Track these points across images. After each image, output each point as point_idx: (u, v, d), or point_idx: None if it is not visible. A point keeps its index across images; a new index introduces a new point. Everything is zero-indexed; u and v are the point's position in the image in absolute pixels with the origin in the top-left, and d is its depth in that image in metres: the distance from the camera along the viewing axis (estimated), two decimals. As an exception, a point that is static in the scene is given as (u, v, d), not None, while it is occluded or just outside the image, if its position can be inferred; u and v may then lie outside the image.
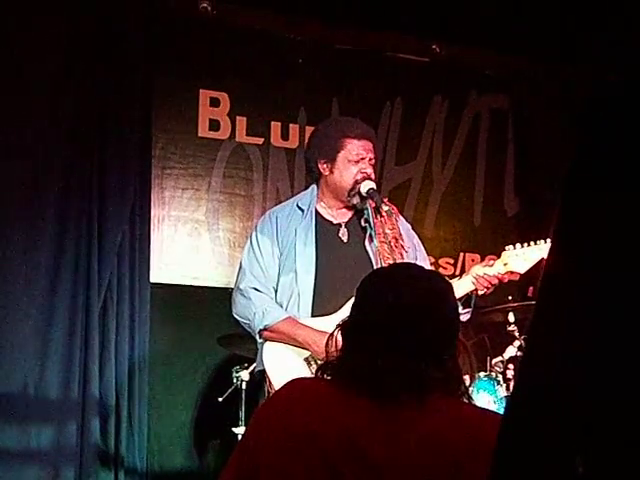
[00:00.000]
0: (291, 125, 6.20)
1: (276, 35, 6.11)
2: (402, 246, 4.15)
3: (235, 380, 5.33)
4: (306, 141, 4.71)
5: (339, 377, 2.27)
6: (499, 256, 4.24)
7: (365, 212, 4.23)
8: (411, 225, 4.46)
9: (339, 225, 4.29)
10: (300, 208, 4.32)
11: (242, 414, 5.25)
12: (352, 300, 2.43)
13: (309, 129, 5.30)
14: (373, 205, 4.17)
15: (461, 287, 4.06)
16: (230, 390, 5.37)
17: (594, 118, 1.34)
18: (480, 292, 4.17)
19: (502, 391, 5.02)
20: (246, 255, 4.32)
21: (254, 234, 4.34)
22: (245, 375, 5.27)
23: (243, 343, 5.10)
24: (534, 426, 1.31)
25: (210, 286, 5.88)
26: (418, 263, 4.05)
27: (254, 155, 6.11)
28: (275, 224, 4.29)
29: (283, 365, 4.05)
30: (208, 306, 5.81)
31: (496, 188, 6.71)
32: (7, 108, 5.29)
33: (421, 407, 2.18)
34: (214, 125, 6.01)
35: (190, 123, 5.95)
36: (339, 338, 2.37)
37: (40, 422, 5.24)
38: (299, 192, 4.72)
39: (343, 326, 2.35)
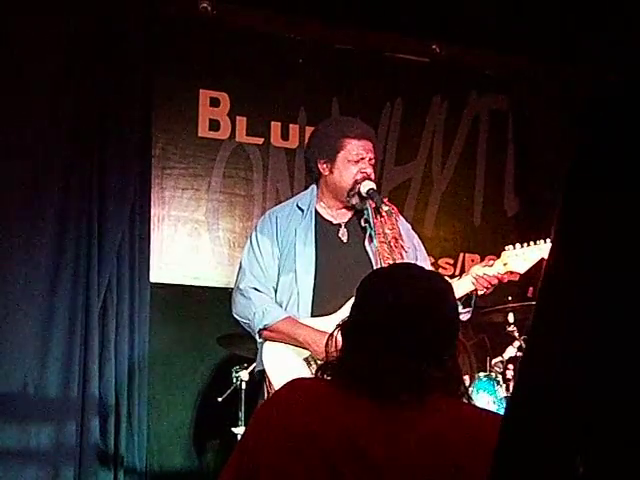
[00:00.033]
0: (291, 125, 6.20)
1: (276, 35, 6.11)
2: (402, 246, 4.15)
3: (235, 380, 5.33)
4: (306, 141, 4.71)
5: (339, 377, 2.27)
6: (499, 256, 4.24)
7: (365, 212, 4.22)
8: (411, 225, 4.46)
9: (339, 225, 4.29)
10: (300, 208, 4.32)
11: (242, 414, 5.25)
12: (352, 300, 2.43)
13: (309, 129, 5.30)
14: (373, 205, 4.17)
15: (461, 287, 4.06)
16: (230, 390, 5.37)
17: (594, 118, 1.34)
18: (480, 292, 4.17)
19: (502, 391, 5.02)
20: (246, 255, 4.32)
21: (254, 234, 4.34)
22: (245, 375, 5.28)
23: (243, 343, 5.10)
24: (534, 426, 1.31)
25: (210, 286, 5.88)
26: (418, 263, 4.04)
27: (254, 155, 6.11)
28: (275, 224, 4.29)
29: (283, 365, 4.05)
30: (208, 306, 5.81)
31: (496, 188, 6.71)
32: (7, 108, 5.29)
33: (421, 407, 2.18)
34: (214, 125, 6.01)
35: (190, 123, 5.95)
36: (339, 338, 2.37)
37: (40, 421, 5.24)
38: (299, 192, 4.72)
39: (343, 326, 2.35)
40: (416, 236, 4.43)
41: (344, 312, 3.69)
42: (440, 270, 6.17)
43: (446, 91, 6.56)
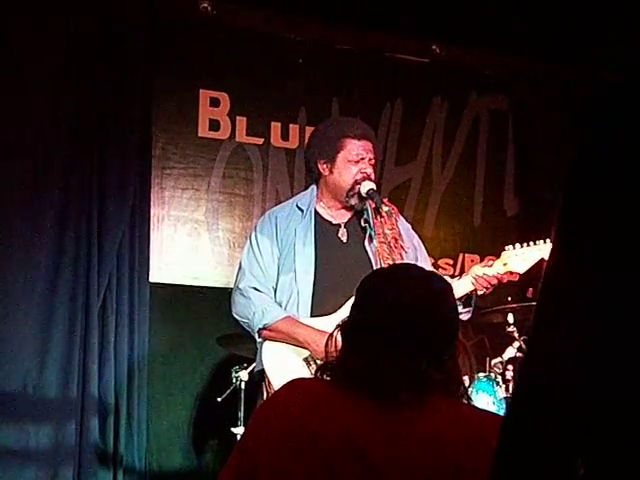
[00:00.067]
0: (291, 125, 6.20)
1: (276, 35, 6.10)
2: (402, 246, 4.15)
3: (234, 380, 5.33)
4: (306, 141, 4.71)
5: (339, 377, 2.27)
6: (499, 257, 4.24)
7: (365, 212, 4.22)
8: (411, 225, 4.46)
9: (338, 225, 4.29)
10: (300, 208, 4.32)
11: (241, 414, 5.25)
12: (351, 300, 2.43)
13: (309, 129, 5.29)
14: (373, 206, 4.17)
15: (460, 287, 4.06)
16: (229, 390, 5.37)
17: (594, 118, 1.34)
18: (479, 292, 4.17)
19: (501, 392, 5.01)
20: (245, 255, 4.32)
21: (253, 234, 4.34)
22: (244, 375, 5.27)
23: (242, 343, 5.09)
24: (534, 426, 1.31)
25: (209, 286, 5.88)
26: (418, 263, 4.05)
27: (254, 155, 6.11)
28: (274, 224, 4.29)
29: (282, 365, 4.05)
30: (207, 306, 5.81)
31: (496, 189, 6.71)
32: (7, 108, 5.29)
33: (421, 407, 2.18)
34: (214, 125, 6.01)
35: (190, 123, 5.95)
36: (339, 338, 2.37)
37: (39, 421, 5.24)
38: (299, 192, 4.72)
39: (343, 326, 2.35)
40: (416, 236, 4.43)
41: (344, 312, 3.69)
42: (440, 270, 6.16)
43: (446, 91, 6.56)
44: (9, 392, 5.17)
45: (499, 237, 6.24)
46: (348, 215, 4.30)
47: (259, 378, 4.23)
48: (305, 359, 4.04)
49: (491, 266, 4.18)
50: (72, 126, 5.43)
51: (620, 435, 1.26)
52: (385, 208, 4.18)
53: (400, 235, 4.19)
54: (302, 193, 4.51)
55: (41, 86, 5.38)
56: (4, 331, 5.16)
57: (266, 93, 6.12)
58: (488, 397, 5.00)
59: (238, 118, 6.06)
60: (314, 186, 4.38)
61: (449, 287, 2.41)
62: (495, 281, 4.16)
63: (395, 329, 2.23)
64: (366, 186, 4.18)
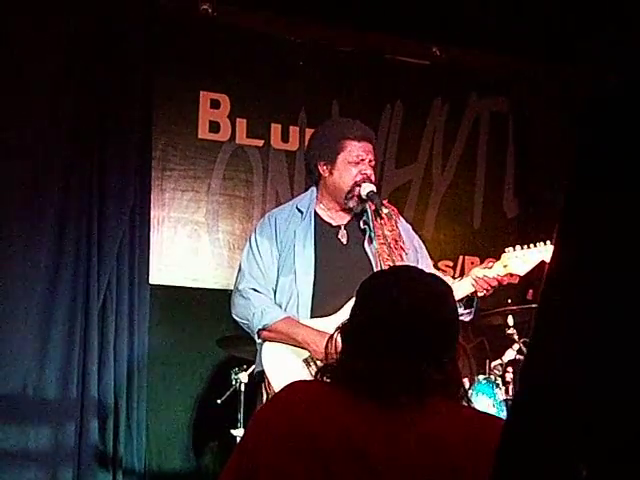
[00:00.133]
0: (291, 127, 6.20)
1: (276, 37, 6.10)
2: (402, 248, 4.15)
3: (234, 382, 5.33)
4: (306, 143, 4.71)
5: (339, 379, 2.27)
6: (499, 259, 4.24)
7: (365, 214, 4.23)
8: (411, 226, 4.46)
9: (338, 227, 4.29)
10: (299, 210, 4.32)
11: (241, 416, 5.25)
12: (351, 302, 2.43)
13: (309, 131, 5.29)
14: (373, 208, 4.17)
15: (460, 289, 4.06)
16: (229, 392, 5.37)
17: (594, 118, 1.34)
18: (480, 294, 4.17)
19: (501, 394, 5.01)
20: (245, 257, 4.32)
21: (253, 236, 4.34)
22: (244, 377, 5.27)
23: (242, 345, 5.09)
24: (534, 426, 1.31)
25: (209, 288, 5.88)
26: (419, 264, 4.07)
27: (254, 157, 6.11)
28: (274, 226, 4.29)
29: (282, 366, 4.05)
30: (207, 308, 5.81)
31: (496, 190, 6.71)
32: (7, 108, 5.29)
33: (421, 409, 2.18)
34: (214, 127, 6.01)
35: (190, 125, 5.95)
36: (339, 340, 2.37)
37: (39, 422, 5.24)
38: (299, 194, 4.72)
39: (343, 328, 2.35)
40: (417, 237, 4.43)
41: (343, 314, 3.69)
42: (440, 272, 6.16)
43: (446, 93, 6.56)
44: (9, 393, 5.17)
45: (499, 239, 6.25)
46: (348, 217, 4.30)
47: (259, 379, 4.23)
48: (305, 360, 4.04)
49: (491, 268, 4.18)
50: (72, 126, 5.43)
51: (620, 435, 1.25)
52: (385, 210, 4.18)
53: (400, 236, 4.19)
54: (302, 195, 4.51)
55: (41, 86, 5.39)
56: (4, 332, 5.17)
57: (266, 95, 6.12)
58: (488, 399, 5.00)
59: (238, 120, 6.06)
60: (314, 188, 4.38)
61: (449, 289, 2.41)
62: (495, 283, 4.16)
63: (395, 331, 2.23)
64: (366, 188, 4.18)
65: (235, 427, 5.22)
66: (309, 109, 6.19)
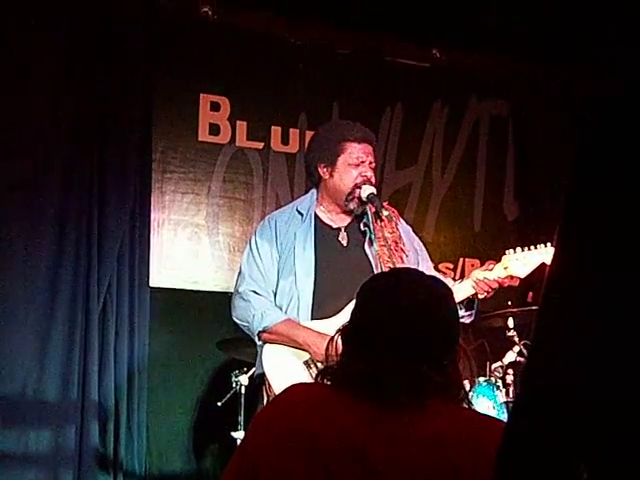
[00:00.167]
0: (291, 130, 6.20)
1: (276, 39, 6.10)
2: (402, 250, 4.15)
3: (234, 384, 5.33)
4: (306, 145, 4.72)
5: (339, 381, 2.27)
6: (499, 261, 4.24)
7: (365, 216, 4.23)
8: (411, 228, 4.46)
9: (339, 229, 4.29)
10: (299, 212, 4.32)
11: (241, 418, 5.25)
12: (352, 304, 2.43)
13: (309, 134, 5.28)
14: (373, 210, 4.17)
15: (461, 291, 4.06)
16: (229, 395, 5.37)
17: (594, 118, 1.34)
18: (480, 296, 4.17)
19: (501, 396, 5.01)
20: (245, 259, 4.32)
21: (253, 238, 4.34)
22: (244, 379, 5.27)
23: (242, 347, 5.10)
24: (535, 426, 1.31)
25: (209, 290, 5.88)
26: (420, 266, 4.08)
27: (254, 160, 6.11)
28: (274, 228, 4.29)
29: (283, 368, 4.05)
30: (207, 310, 5.80)
31: (496, 193, 6.70)
32: (7, 108, 5.29)
33: (421, 411, 2.18)
34: (214, 129, 6.01)
35: (190, 127, 5.95)
36: (339, 342, 2.37)
37: (39, 425, 5.24)
38: (299, 197, 4.73)
39: (343, 330, 2.35)
40: (417, 239, 4.43)
41: (344, 316, 3.69)
42: (440, 275, 6.16)
43: (446, 96, 6.56)
44: (9, 396, 5.16)
45: (499, 241, 6.24)
46: (348, 219, 4.30)
47: (259, 382, 4.23)
48: (305, 362, 4.04)
49: (492, 270, 4.18)
50: (72, 126, 5.44)
51: (620, 435, 1.25)
52: (385, 212, 4.17)
53: (400, 238, 4.19)
54: (302, 197, 4.51)
55: (41, 86, 5.39)
56: (4, 334, 5.16)
57: (266, 97, 6.13)
58: (488, 401, 5.00)
59: (238, 122, 6.06)
60: (314, 190, 4.38)
61: (449, 291, 2.41)
62: (496, 285, 4.16)
63: (395, 333, 2.23)
64: (366, 190, 4.18)
65: (235, 429, 5.22)
66: (309, 111, 6.19)
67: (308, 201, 4.36)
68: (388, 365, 2.20)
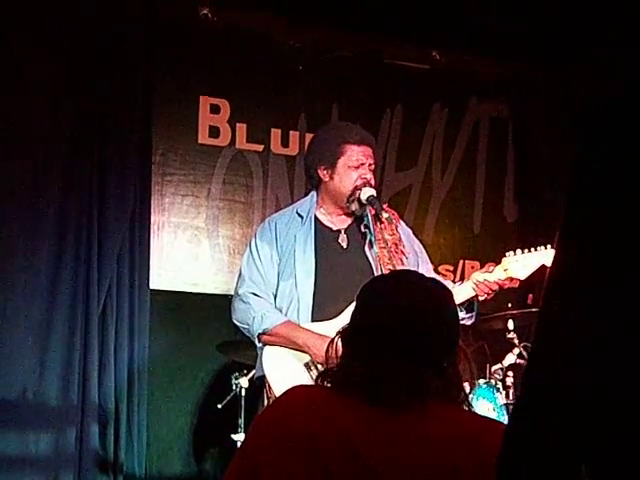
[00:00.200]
0: (291, 132, 6.19)
1: (276, 42, 6.10)
2: (402, 252, 4.15)
3: (234, 387, 5.32)
4: (306, 147, 4.72)
5: (339, 383, 2.27)
6: (499, 263, 4.24)
7: (365, 218, 4.23)
8: (411, 230, 4.46)
9: (339, 231, 4.30)
10: (299, 215, 4.32)
11: (241, 421, 5.25)
12: (352, 306, 2.43)
13: (309, 136, 5.28)
14: (373, 212, 4.17)
15: (461, 293, 4.06)
16: (229, 397, 5.36)
17: (594, 118, 1.34)
18: (480, 298, 4.17)
19: (501, 398, 5.01)
20: (245, 262, 4.32)
21: (253, 241, 4.34)
22: (244, 382, 5.27)
23: (242, 350, 5.10)
24: (535, 427, 1.31)
25: (209, 293, 5.88)
26: (419, 268, 4.08)
27: (254, 162, 6.11)
28: (274, 231, 4.29)
29: (283, 370, 4.06)
30: (207, 313, 5.80)
31: (496, 195, 6.70)
32: (7, 108, 5.29)
33: (421, 412, 2.18)
34: (214, 132, 6.01)
35: (190, 130, 5.94)
36: (339, 344, 2.37)
37: (39, 428, 5.23)
38: (299, 199, 4.73)
39: (343, 332, 2.35)
40: (417, 241, 4.43)
41: (344, 318, 3.70)
42: (440, 277, 6.16)
43: (446, 98, 6.55)
44: (9, 398, 5.16)
45: (499, 243, 6.24)
46: (348, 221, 4.31)
47: (260, 384, 4.23)
48: (306, 364, 4.04)
49: (492, 272, 4.18)
50: (72, 126, 5.43)
51: (620, 435, 1.25)
52: (385, 215, 4.18)
53: (400, 240, 4.19)
54: (302, 199, 4.51)
55: (41, 86, 5.39)
56: (3, 337, 5.16)
57: (266, 100, 6.12)
58: (488, 403, 5.00)
59: (238, 125, 6.06)
60: (314, 192, 4.38)
61: (449, 293, 2.41)
62: (496, 287, 4.16)
63: (396, 335, 2.23)
64: (366, 193, 4.18)
65: (236, 432, 5.21)
66: (309, 114, 6.19)
67: (308, 203, 4.36)
68: (388, 367, 2.20)
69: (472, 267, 6.36)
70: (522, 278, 4.25)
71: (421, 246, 4.44)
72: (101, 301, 5.41)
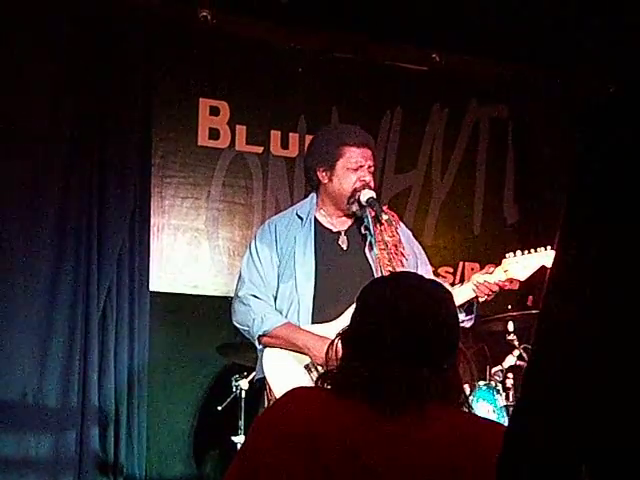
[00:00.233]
0: (291, 134, 6.20)
1: (276, 44, 6.10)
2: (402, 253, 4.15)
3: (234, 389, 5.32)
4: (306, 149, 4.72)
5: (339, 385, 2.27)
6: (499, 265, 4.24)
7: (365, 220, 4.23)
8: (411, 232, 4.46)
9: (339, 233, 4.29)
10: (299, 216, 4.32)
11: (241, 423, 5.24)
12: (352, 308, 2.43)
13: (309, 138, 5.28)
14: (373, 214, 4.16)
15: (461, 294, 4.07)
16: (229, 399, 5.36)
17: (595, 118, 1.34)
18: (481, 299, 4.17)
19: (501, 400, 5.01)
20: (245, 264, 4.32)
21: (253, 243, 4.34)
22: (244, 384, 5.27)
23: (242, 352, 5.10)
24: (535, 427, 1.31)
25: (209, 295, 5.88)
26: (418, 269, 4.07)
27: (254, 164, 6.11)
28: (274, 233, 4.29)
29: (283, 372, 4.05)
30: (207, 315, 5.80)
31: (496, 196, 6.70)
32: (7, 108, 5.29)
33: (421, 414, 2.18)
34: (214, 134, 6.01)
35: (190, 132, 5.94)
36: (339, 347, 2.37)
37: (39, 431, 5.23)
38: (298, 201, 4.73)
39: (343, 334, 2.36)
40: (417, 243, 4.43)
41: (344, 319, 3.69)
42: (440, 278, 6.15)
43: (446, 99, 6.55)
44: (9, 401, 5.16)
45: (499, 245, 6.23)
46: (348, 222, 4.30)
47: (260, 386, 4.22)
48: (306, 366, 4.04)
49: (492, 273, 4.18)
50: (72, 126, 5.44)
51: (620, 435, 1.25)
52: (385, 216, 4.17)
53: (400, 242, 4.19)
54: (302, 201, 4.51)
55: (41, 86, 5.39)
56: (3, 339, 5.16)
57: (266, 102, 6.12)
58: (488, 405, 5.00)
59: (238, 127, 6.06)
60: (314, 194, 4.38)
61: (449, 295, 2.41)
62: (496, 288, 4.16)
63: (396, 337, 2.23)
64: (366, 195, 4.18)
65: (236, 434, 5.21)
66: (309, 116, 6.19)
67: (308, 205, 4.36)
68: (388, 369, 2.20)
69: (472, 269, 6.36)
70: (522, 279, 4.25)
71: (420, 248, 4.44)
72: (101, 303, 5.41)
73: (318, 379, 2.39)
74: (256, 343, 4.16)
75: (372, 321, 2.29)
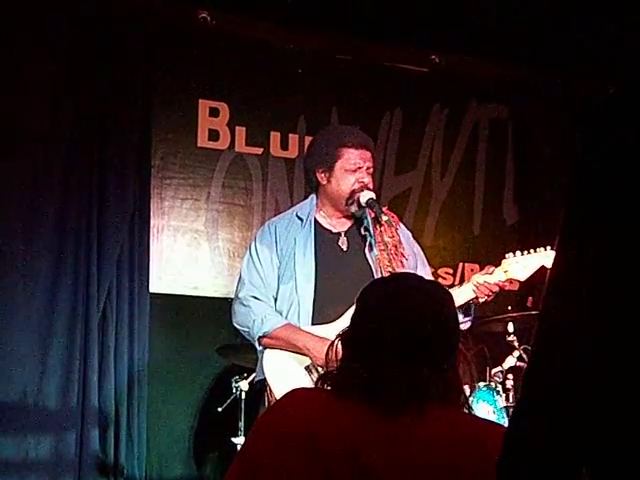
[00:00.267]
0: (290, 135, 6.19)
1: (275, 45, 6.10)
2: (402, 254, 4.15)
3: (234, 390, 5.32)
4: (305, 150, 4.72)
5: (339, 386, 2.27)
6: (499, 265, 4.24)
7: (365, 221, 4.22)
8: (411, 233, 4.46)
9: (339, 234, 4.29)
10: (299, 218, 4.32)
11: (241, 424, 5.24)
12: (352, 309, 2.43)
13: (308, 139, 5.28)
14: (372, 215, 4.16)
15: (461, 295, 4.06)
16: (229, 400, 5.36)
17: (595, 118, 1.34)
18: (481, 300, 4.17)
19: (501, 401, 5.01)
20: (245, 265, 4.32)
21: (253, 244, 4.34)
22: (244, 385, 5.27)
23: (242, 353, 5.09)
24: (535, 427, 1.31)
25: (209, 296, 5.87)
26: (418, 270, 4.07)
27: (253, 165, 6.10)
28: (274, 234, 4.29)
29: (284, 373, 4.05)
30: (207, 316, 5.80)
31: (495, 197, 6.70)
32: (7, 108, 5.29)
33: (421, 415, 2.18)
34: (213, 135, 6.01)
35: (189, 133, 5.94)
36: (339, 348, 2.37)
37: (39, 432, 5.23)
38: (298, 202, 4.72)
39: (344, 335, 2.36)
40: (416, 244, 4.43)
41: (344, 321, 3.69)
42: (439, 280, 6.15)
43: (445, 100, 6.55)
44: (9, 402, 5.15)
45: (499, 246, 6.22)
46: (348, 224, 4.30)
47: (260, 388, 4.22)
48: (306, 367, 4.04)
49: (492, 273, 4.19)
50: (72, 126, 5.43)
51: (620, 435, 1.25)
52: (385, 217, 4.17)
53: (400, 243, 4.19)
54: (302, 202, 4.51)
55: (41, 86, 5.39)
56: (3, 341, 5.15)
57: (265, 103, 6.12)
58: (488, 406, 5.00)
59: (237, 128, 6.06)
60: (314, 195, 4.38)
61: (449, 296, 2.41)
62: (496, 288, 4.16)
63: (395, 338, 2.23)
64: (365, 196, 4.18)
65: (236, 435, 5.21)
66: (308, 117, 6.19)
67: (308, 206, 4.36)
68: (388, 370, 2.20)
69: (472, 269, 6.36)
70: (522, 279, 4.25)
71: (420, 249, 4.43)
72: (101, 304, 5.40)
73: (318, 380, 2.40)
74: (256, 344, 4.16)
75: (372, 322, 2.29)
